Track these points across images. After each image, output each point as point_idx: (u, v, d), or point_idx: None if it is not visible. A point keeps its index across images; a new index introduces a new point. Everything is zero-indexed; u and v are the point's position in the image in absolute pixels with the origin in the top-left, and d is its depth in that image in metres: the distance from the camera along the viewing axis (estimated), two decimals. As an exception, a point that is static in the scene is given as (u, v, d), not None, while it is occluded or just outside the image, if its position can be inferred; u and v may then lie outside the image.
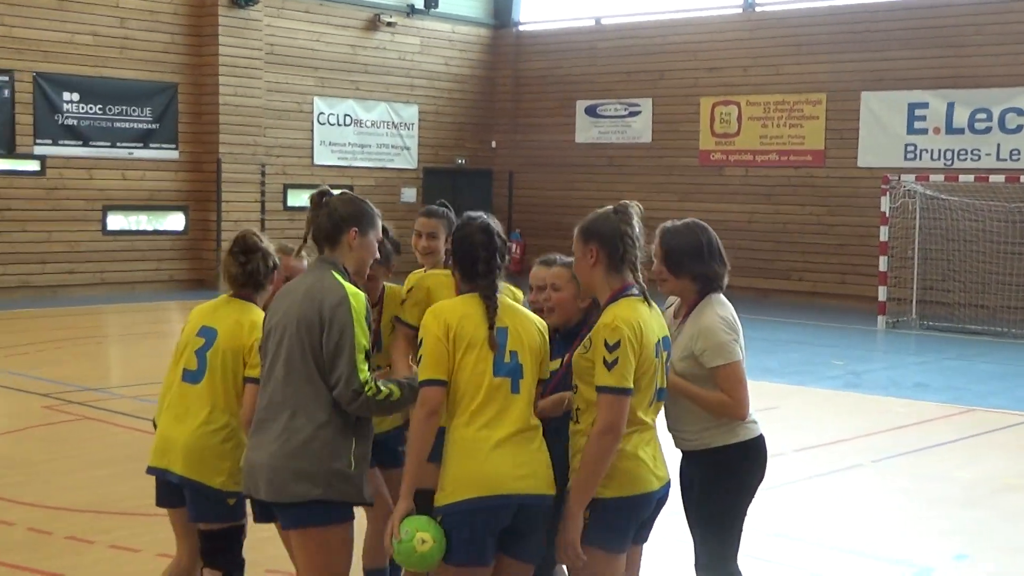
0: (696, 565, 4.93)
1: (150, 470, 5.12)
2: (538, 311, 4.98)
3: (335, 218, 4.57)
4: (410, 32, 26.17)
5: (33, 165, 20.71)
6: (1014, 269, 19.84)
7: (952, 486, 9.22)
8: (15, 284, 20.46)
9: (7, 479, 8.61)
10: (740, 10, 24.32)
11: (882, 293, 19.55)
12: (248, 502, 4.69)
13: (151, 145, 22.16)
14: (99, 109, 21.38)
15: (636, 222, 4.46)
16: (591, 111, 26.25)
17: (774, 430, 10.96)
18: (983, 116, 21.00)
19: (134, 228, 22.08)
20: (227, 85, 22.60)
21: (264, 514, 4.54)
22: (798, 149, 23.20)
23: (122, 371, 14.40)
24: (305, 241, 4.72)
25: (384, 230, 4.93)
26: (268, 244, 5.24)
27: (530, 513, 4.29)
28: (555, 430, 4.49)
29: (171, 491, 5.09)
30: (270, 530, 4.90)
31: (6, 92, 20.28)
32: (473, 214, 4.67)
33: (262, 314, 5.08)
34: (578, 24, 26.95)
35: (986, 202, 19.85)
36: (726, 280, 4.94)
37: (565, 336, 4.75)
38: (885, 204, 19.64)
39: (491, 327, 4.33)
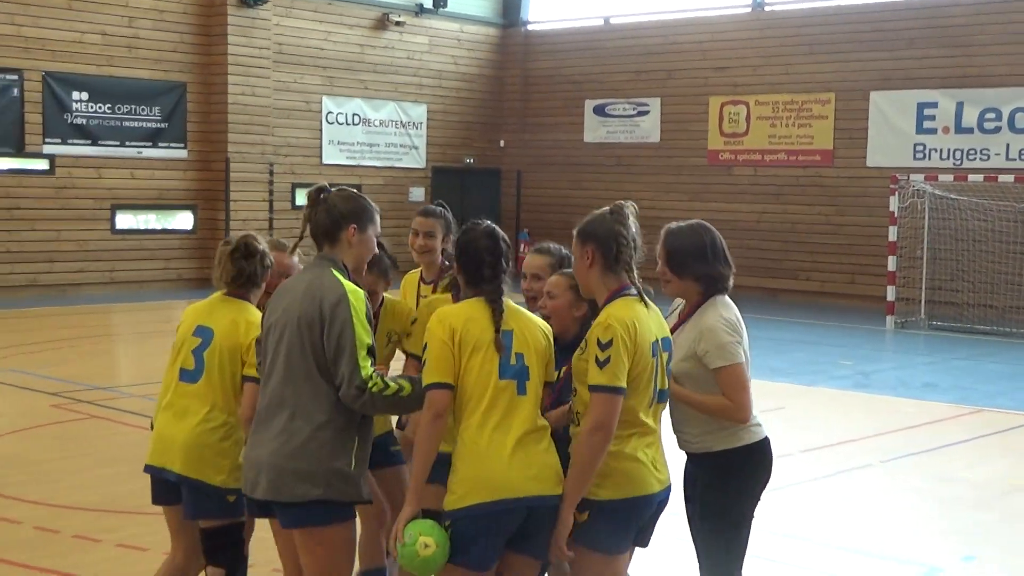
0: (700, 570, 4.89)
1: (147, 468, 5.13)
2: (531, 299, 5.00)
3: (334, 215, 4.54)
4: (419, 31, 26.18)
5: (42, 164, 20.76)
6: (1023, 269, 19.79)
7: (961, 487, 9.20)
8: (24, 283, 20.50)
9: (15, 477, 8.62)
10: (749, 9, 24.29)
11: (891, 293, 19.52)
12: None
13: (160, 144, 22.19)
14: (108, 108, 21.42)
15: (632, 222, 4.45)
16: (599, 110, 26.24)
17: (782, 430, 10.99)
18: (992, 116, 20.95)
19: (143, 227, 22.12)
20: (236, 84, 22.63)
21: (261, 510, 4.51)
22: (807, 149, 23.17)
23: (130, 370, 14.42)
24: (302, 238, 4.71)
25: (380, 245, 4.88)
26: (265, 246, 5.25)
27: (539, 513, 4.28)
28: (559, 437, 4.48)
29: (167, 489, 5.10)
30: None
31: (15, 91, 20.32)
32: (477, 221, 4.67)
33: (258, 313, 5.10)
34: (587, 23, 26.94)
35: (995, 202, 19.82)
36: (731, 282, 4.90)
37: (563, 349, 4.68)
38: (894, 204, 19.61)
39: (497, 330, 4.32)
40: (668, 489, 4.52)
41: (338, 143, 24.95)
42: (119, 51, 21.56)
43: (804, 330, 19.01)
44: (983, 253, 20.20)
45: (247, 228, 21.79)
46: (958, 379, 14.44)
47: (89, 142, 21.23)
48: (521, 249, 23.74)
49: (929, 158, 21.52)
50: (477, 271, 4.44)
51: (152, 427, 5.29)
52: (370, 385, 4.30)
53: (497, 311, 4.35)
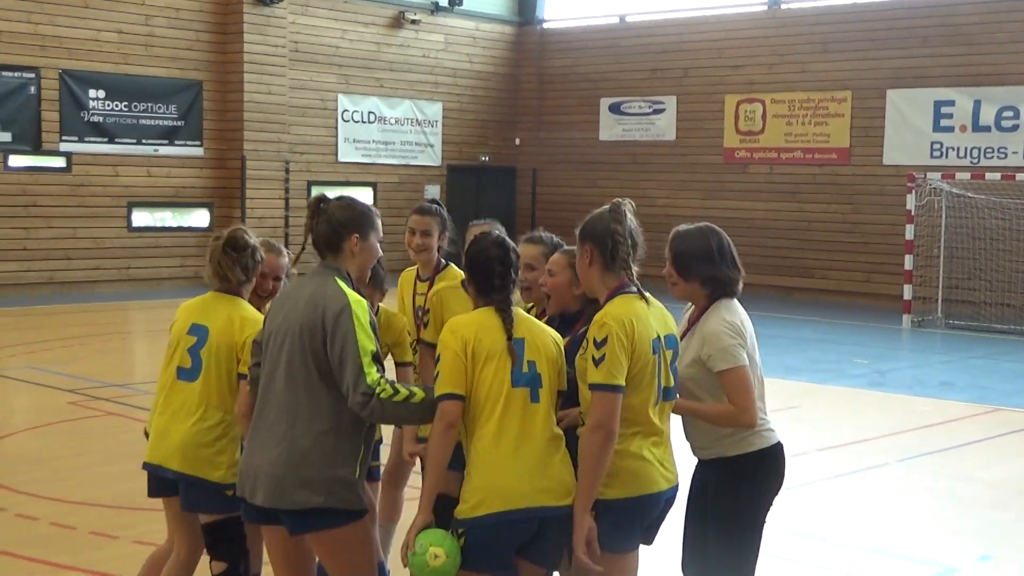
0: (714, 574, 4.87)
1: (146, 466, 5.16)
2: (525, 290, 5.03)
3: (334, 225, 4.53)
4: (434, 29, 26.18)
5: (59, 162, 20.83)
6: (1041, 268, 19.75)
7: (977, 486, 9.17)
8: (41, 280, 20.58)
9: (32, 474, 8.65)
10: (765, 7, 24.23)
11: (907, 292, 19.45)
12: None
13: (176, 142, 22.25)
14: (124, 106, 21.48)
15: (629, 220, 4.45)
16: (615, 108, 26.21)
17: (797, 429, 10.97)
18: (1010, 114, 20.85)
19: (159, 225, 22.18)
20: (252, 82, 22.67)
21: (260, 516, 4.48)
22: (823, 147, 23.10)
23: (146, 367, 14.45)
24: (303, 248, 4.70)
25: None
26: (255, 241, 5.26)
27: (551, 523, 4.28)
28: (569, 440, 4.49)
29: (165, 485, 5.12)
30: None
31: (32, 89, 20.39)
32: (485, 229, 4.68)
33: (252, 309, 5.15)
34: (602, 21, 26.92)
35: (1013, 200, 19.73)
36: (740, 286, 4.86)
37: (564, 323, 4.74)
38: (911, 202, 19.54)
39: (509, 337, 4.33)
40: (676, 487, 4.51)
41: (354, 141, 24.98)
42: (135, 49, 21.62)
43: (820, 328, 18.96)
44: (1001, 252, 20.11)
45: (263, 226, 21.96)
46: (975, 378, 14.39)
47: (106, 140, 21.30)
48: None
49: (946, 156, 21.44)
50: (487, 281, 4.45)
51: (146, 433, 5.33)
52: (377, 391, 4.27)
53: (508, 319, 4.36)
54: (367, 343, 4.33)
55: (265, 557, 5.24)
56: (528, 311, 4.92)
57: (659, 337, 4.40)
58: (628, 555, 4.44)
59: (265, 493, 4.35)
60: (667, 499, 4.48)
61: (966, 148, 21.28)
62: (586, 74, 26.67)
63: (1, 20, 19.99)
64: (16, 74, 20.19)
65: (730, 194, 24.22)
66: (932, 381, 14.17)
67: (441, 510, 4.33)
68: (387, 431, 5.90)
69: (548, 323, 4.71)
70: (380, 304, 5.64)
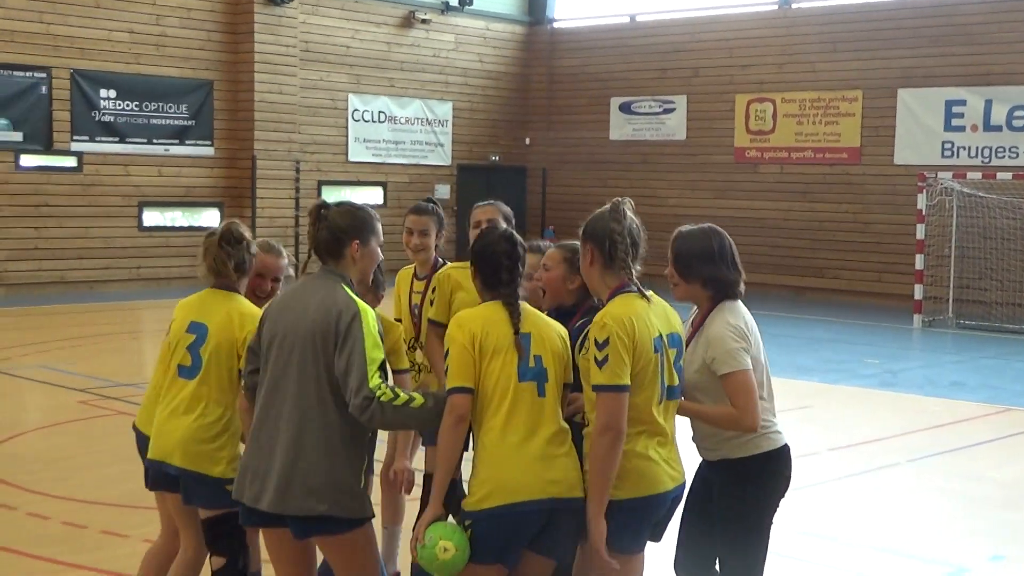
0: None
1: (148, 462, 5.18)
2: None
3: (335, 232, 4.54)
4: (445, 29, 26.19)
5: (70, 161, 20.88)
6: (1053, 268, 19.69)
7: (988, 486, 9.15)
8: (52, 279, 20.62)
9: (43, 473, 8.67)
10: (775, 7, 24.20)
11: (918, 291, 19.40)
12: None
13: (187, 142, 22.29)
14: (135, 106, 21.52)
15: (629, 219, 4.44)
16: (625, 108, 26.19)
17: (808, 429, 10.95)
18: (1021, 113, 20.80)
19: (170, 224, 22.22)
20: (262, 82, 22.70)
21: (261, 520, 4.49)
22: (834, 146, 23.06)
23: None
24: (309, 256, 4.70)
25: None
26: (249, 234, 5.30)
27: (559, 515, 4.29)
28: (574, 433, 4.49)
29: (168, 479, 5.13)
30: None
31: (44, 89, 20.44)
32: (490, 212, 4.70)
33: (250, 304, 5.16)
34: (612, 21, 26.90)
35: (1024, 200, 19.70)
36: (742, 287, 4.83)
37: (559, 317, 4.75)
38: (921, 202, 19.49)
39: (516, 332, 4.35)
40: (682, 486, 4.51)
41: (364, 141, 25.00)
42: (147, 49, 21.66)
43: (831, 328, 18.93)
44: (1012, 251, 20.06)
45: (273, 225, 22.00)
46: (986, 378, 14.35)
47: (117, 140, 21.34)
48: (547, 246, 23.68)
49: (957, 156, 21.39)
50: (495, 275, 4.47)
51: (135, 426, 5.37)
52: (378, 394, 4.27)
53: (515, 313, 4.38)
54: (375, 352, 4.35)
55: (265, 555, 5.27)
56: None
57: (661, 336, 4.39)
58: (636, 555, 4.44)
59: (271, 499, 4.35)
60: (674, 498, 4.48)
61: (977, 148, 21.23)
62: (596, 74, 26.66)
63: (13, 20, 20.04)
64: (28, 74, 20.24)
65: (741, 194, 24.19)
66: (943, 381, 14.14)
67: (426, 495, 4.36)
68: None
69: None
70: (376, 310, 5.65)
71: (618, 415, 4.22)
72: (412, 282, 6.15)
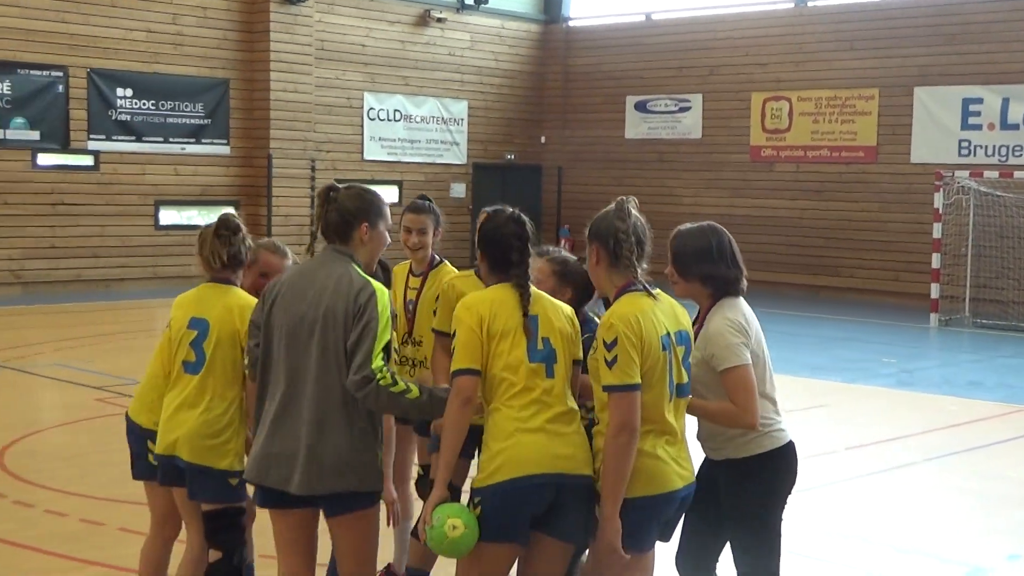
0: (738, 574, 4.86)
1: (157, 457, 5.21)
2: None
3: (344, 214, 4.58)
4: (460, 27, 26.20)
5: (87, 160, 20.94)
6: (1070, 267, 19.60)
7: (1006, 485, 9.12)
8: (69, 278, 20.69)
9: (60, 471, 8.71)
10: (791, 5, 24.14)
11: (935, 290, 19.34)
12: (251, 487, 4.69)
13: (203, 140, 22.34)
14: (152, 105, 21.58)
15: (634, 218, 4.44)
16: (641, 107, 26.16)
17: (825, 427, 10.93)
18: (1039, 112, 20.73)
19: (186, 223, 22.26)
20: (278, 81, 22.74)
21: (280, 501, 4.52)
22: (850, 145, 23.00)
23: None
24: (315, 237, 4.73)
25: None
26: (245, 227, 5.37)
27: (569, 492, 4.30)
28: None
29: (177, 474, 5.16)
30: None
31: (61, 88, 20.51)
32: (497, 207, 4.71)
33: (247, 296, 5.19)
34: (628, 19, 26.88)
35: (1042, 199, 19.62)
36: (743, 284, 4.81)
37: None
38: (938, 201, 19.43)
39: (525, 314, 4.37)
40: (692, 485, 4.50)
41: (379, 139, 25.02)
42: (163, 48, 21.72)
43: (847, 327, 18.88)
44: (1029, 250, 20.00)
45: (289, 224, 22.05)
46: (1003, 377, 14.30)
47: (133, 138, 21.40)
48: (562, 245, 23.68)
49: (974, 154, 21.31)
50: (504, 256, 4.49)
51: (127, 415, 5.45)
52: (378, 377, 4.33)
53: (525, 295, 4.40)
54: (384, 333, 4.40)
55: (260, 549, 5.29)
56: None
57: (669, 333, 4.39)
58: (645, 554, 4.44)
59: (300, 480, 4.39)
60: (683, 497, 4.47)
61: (994, 146, 21.15)
62: (612, 72, 26.63)
63: (30, 19, 20.11)
64: (45, 73, 20.31)
65: (756, 192, 24.14)
66: (960, 380, 14.09)
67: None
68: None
69: None
70: None
71: (631, 414, 4.23)
72: (408, 278, 6.17)
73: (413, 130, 25.54)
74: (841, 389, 13.16)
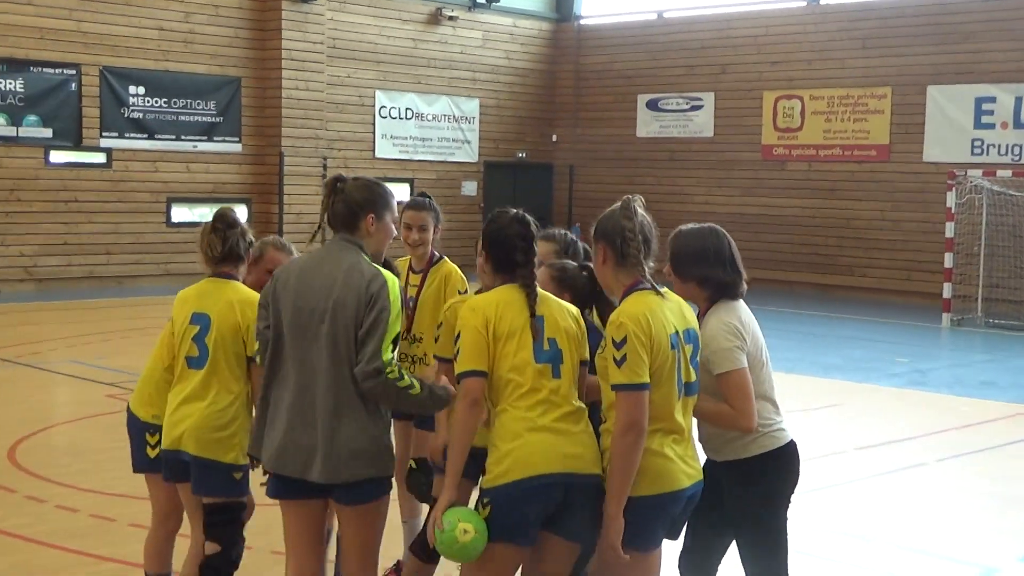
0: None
1: (162, 452, 5.24)
2: None
3: (351, 204, 4.60)
4: (472, 26, 26.20)
5: (99, 158, 20.99)
6: (1083, 266, 19.54)
7: (1018, 486, 9.09)
8: (82, 275, 20.75)
9: (72, 467, 8.73)
10: (804, 3, 24.10)
11: (947, 290, 19.29)
12: (266, 478, 4.69)
13: (215, 138, 22.38)
14: (164, 103, 21.62)
15: (640, 217, 4.43)
16: (652, 105, 26.14)
17: (837, 427, 10.92)
18: (1053, 111, 20.67)
19: (198, 220, 22.26)
20: (290, 79, 22.77)
21: (295, 491, 4.53)
22: (863, 144, 22.95)
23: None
24: (320, 227, 4.74)
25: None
26: (244, 222, 5.39)
27: (577, 491, 4.29)
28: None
29: (182, 469, 5.19)
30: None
31: (73, 86, 20.56)
32: (501, 209, 4.71)
33: (247, 290, 5.23)
34: (640, 18, 26.85)
35: (1055, 198, 19.57)
36: (741, 288, 4.79)
37: None
38: (951, 200, 19.38)
39: (532, 314, 4.36)
40: (699, 483, 4.49)
41: (391, 137, 25.03)
42: (175, 46, 21.76)
43: (859, 327, 18.84)
44: (1042, 250, 19.94)
45: (301, 222, 22.05)
46: (1016, 377, 14.26)
47: (145, 136, 21.45)
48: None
49: (987, 153, 21.25)
50: (509, 257, 4.48)
51: (128, 408, 5.54)
52: (387, 371, 4.36)
53: (532, 295, 4.40)
54: (395, 324, 4.44)
55: (251, 542, 5.30)
56: None
57: (677, 332, 4.38)
58: (652, 552, 4.43)
59: (321, 469, 4.41)
60: (690, 496, 4.45)
61: (1007, 145, 21.09)
62: (623, 70, 26.62)
63: (43, 17, 20.17)
64: (58, 71, 20.37)
65: (768, 191, 24.11)
66: (973, 380, 14.05)
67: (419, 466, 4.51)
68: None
69: None
70: None
71: (639, 413, 4.22)
72: (408, 275, 6.18)
73: (425, 128, 25.55)
74: (852, 389, 13.13)
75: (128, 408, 5.57)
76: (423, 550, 5.15)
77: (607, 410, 4.35)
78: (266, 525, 5.95)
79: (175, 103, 21.75)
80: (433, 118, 25.70)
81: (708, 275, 4.71)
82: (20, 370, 12.83)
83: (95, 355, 13.80)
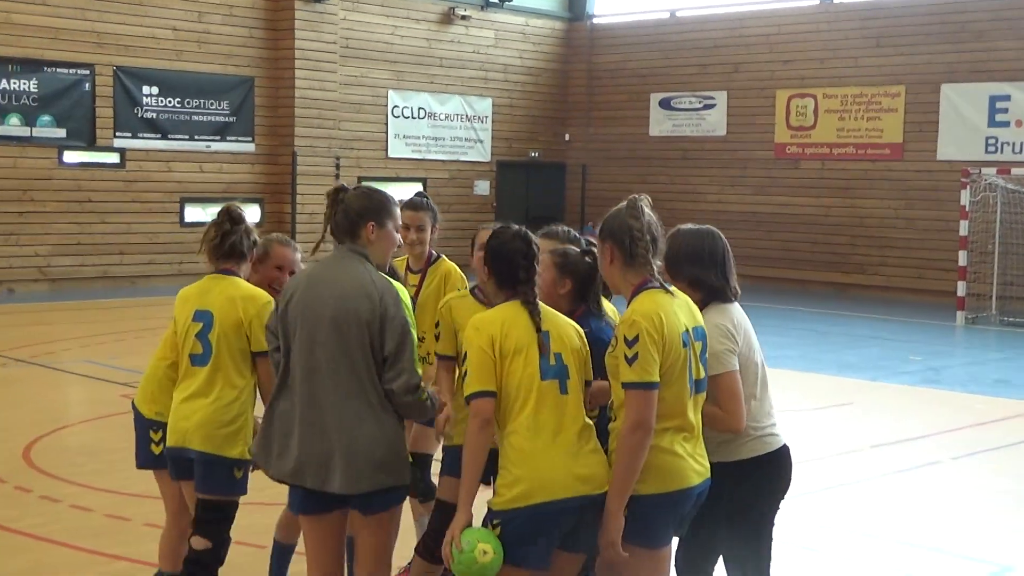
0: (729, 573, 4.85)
1: (168, 450, 5.26)
2: None
3: (351, 214, 4.61)
4: (484, 25, 26.21)
5: (113, 158, 21.05)
6: (1098, 264, 19.47)
7: (1033, 484, 9.06)
8: (95, 275, 20.81)
9: (86, 466, 8.75)
10: (816, 2, 24.04)
11: (961, 288, 19.22)
12: (289, 491, 4.70)
13: (228, 138, 22.42)
14: (177, 102, 21.67)
15: (647, 216, 4.42)
16: (665, 104, 26.11)
17: (851, 425, 10.89)
18: (1067, 108, 20.60)
19: (211, 220, 22.32)
20: (303, 79, 22.80)
21: (318, 506, 4.55)
22: (876, 142, 22.89)
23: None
24: (323, 239, 4.75)
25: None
26: (249, 220, 5.44)
27: (590, 510, 4.29)
28: (601, 429, 4.48)
29: (187, 467, 5.20)
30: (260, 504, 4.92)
31: (87, 86, 20.62)
32: (503, 225, 4.72)
33: (249, 286, 5.27)
34: (652, 16, 26.82)
35: (1070, 196, 19.49)
36: (735, 293, 4.78)
37: None
38: (965, 198, 19.31)
39: (538, 329, 4.35)
40: (708, 480, 4.48)
41: (404, 137, 25.05)
42: (189, 46, 21.80)
43: (872, 325, 18.79)
44: (1057, 248, 19.87)
45: (313, 221, 22.06)
46: (1031, 375, 14.22)
47: (159, 136, 21.50)
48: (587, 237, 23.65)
49: (1001, 151, 21.18)
50: (512, 273, 4.48)
51: (133, 404, 5.54)
52: (419, 388, 4.50)
53: (535, 311, 4.39)
54: (415, 334, 4.54)
55: (240, 538, 5.30)
56: None
57: (687, 329, 4.37)
58: (663, 550, 4.43)
59: (341, 481, 4.43)
60: (699, 493, 4.45)
61: (1021, 143, 21.03)
62: (636, 69, 26.60)
63: (57, 17, 20.22)
64: (71, 71, 20.43)
65: (781, 190, 24.06)
66: (987, 378, 14.00)
67: (441, 519, 4.54)
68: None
69: None
70: None
71: (648, 412, 4.21)
72: (406, 275, 6.18)
73: (438, 128, 25.56)
74: (867, 387, 13.10)
75: (133, 404, 5.60)
76: (429, 553, 5.15)
77: (617, 409, 4.34)
78: (270, 524, 5.95)
79: (188, 103, 21.80)
80: (446, 117, 25.71)
81: (700, 277, 4.71)
82: (34, 370, 12.87)
83: (109, 355, 13.83)
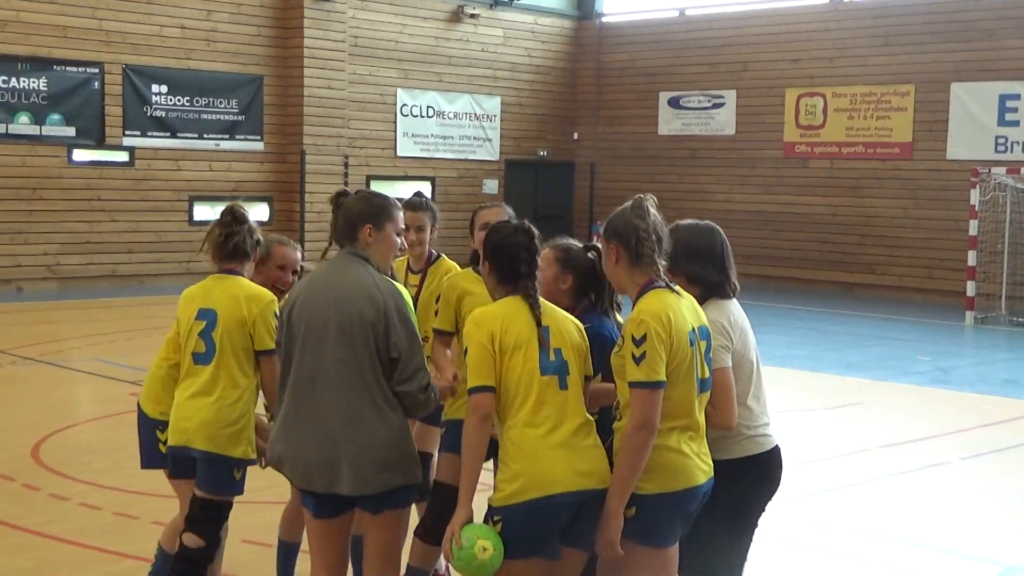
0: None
1: (171, 449, 5.27)
2: None
3: (349, 218, 4.66)
4: (493, 24, 26.20)
5: (122, 156, 21.08)
6: (1108, 264, 19.41)
7: (1042, 485, 9.04)
8: (104, 273, 20.84)
9: (94, 464, 8.77)
10: (826, 0, 24.00)
11: (970, 288, 19.19)
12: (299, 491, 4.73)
13: (237, 137, 22.44)
14: (186, 101, 21.70)
15: (652, 215, 4.41)
16: (674, 103, 26.09)
17: (860, 426, 10.88)
18: (1077, 108, 20.54)
19: (215, 219, 22.34)
20: (312, 77, 22.81)
21: (330, 509, 4.56)
22: (885, 141, 22.85)
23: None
24: (331, 243, 4.79)
25: None
26: (253, 220, 5.48)
27: (589, 505, 4.29)
28: (602, 428, 4.48)
29: (189, 466, 5.22)
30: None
31: (96, 84, 20.65)
32: (497, 213, 4.73)
33: (252, 285, 5.29)
34: (661, 15, 26.80)
35: (1079, 196, 19.43)
36: (734, 289, 4.77)
37: None
38: (974, 197, 19.27)
39: (539, 324, 4.36)
40: (712, 479, 4.47)
41: (412, 135, 25.05)
42: (198, 44, 21.83)
43: (881, 325, 18.76)
44: (1066, 248, 19.82)
45: (322, 220, 22.10)
46: (1040, 376, 14.19)
47: (168, 134, 21.53)
48: (596, 240, 23.64)
49: (1011, 151, 21.13)
50: (513, 268, 4.47)
51: (139, 407, 5.58)
52: (431, 386, 4.54)
53: (536, 306, 4.39)
54: (419, 333, 4.58)
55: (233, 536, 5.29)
56: None
57: (693, 329, 4.37)
58: (669, 549, 4.42)
59: (350, 483, 4.44)
60: (704, 492, 4.44)
61: (1032, 142, 20.97)
62: (645, 68, 26.57)
63: (66, 16, 20.26)
64: (81, 69, 20.46)
65: (790, 189, 24.03)
66: (996, 378, 13.97)
67: (440, 500, 4.58)
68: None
69: None
70: None
71: (654, 412, 4.21)
72: (406, 275, 6.19)
73: (446, 126, 25.57)
74: (875, 387, 13.08)
75: (138, 405, 5.61)
76: (429, 534, 5.17)
77: (623, 408, 4.34)
78: (272, 523, 5.95)
79: (197, 101, 21.83)
80: (454, 116, 25.71)
81: (698, 272, 4.70)
82: (43, 368, 12.90)
83: (117, 353, 13.85)
